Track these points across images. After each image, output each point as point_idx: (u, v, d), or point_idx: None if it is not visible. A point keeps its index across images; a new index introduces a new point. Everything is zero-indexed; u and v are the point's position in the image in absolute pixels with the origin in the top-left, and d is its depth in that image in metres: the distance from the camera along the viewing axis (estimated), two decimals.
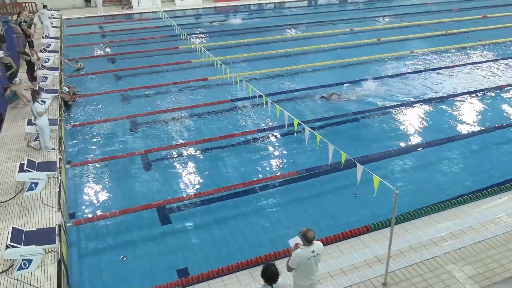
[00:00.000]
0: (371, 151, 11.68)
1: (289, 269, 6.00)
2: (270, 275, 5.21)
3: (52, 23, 24.01)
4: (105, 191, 10.57)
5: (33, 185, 9.32)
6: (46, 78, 15.92)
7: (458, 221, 8.64)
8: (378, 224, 8.60)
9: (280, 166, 11.44)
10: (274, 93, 15.94)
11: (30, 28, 23.73)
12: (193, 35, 22.87)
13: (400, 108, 14.79)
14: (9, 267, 7.21)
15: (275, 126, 13.36)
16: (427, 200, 9.56)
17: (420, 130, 13.25)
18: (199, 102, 15.43)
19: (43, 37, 21.49)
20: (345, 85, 16.61)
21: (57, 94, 14.51)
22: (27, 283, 6.96)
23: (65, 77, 17.74)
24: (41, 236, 7.54)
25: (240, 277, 7.42)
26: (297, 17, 30.69)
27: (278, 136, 13.02)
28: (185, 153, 12.22)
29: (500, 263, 7.58)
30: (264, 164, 11.50)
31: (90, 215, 9.53)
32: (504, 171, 10.80)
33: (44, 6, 24.50)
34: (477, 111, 14.41)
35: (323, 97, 15.58)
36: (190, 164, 11.71)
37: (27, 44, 19.76)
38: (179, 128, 13.69)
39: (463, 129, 13.23)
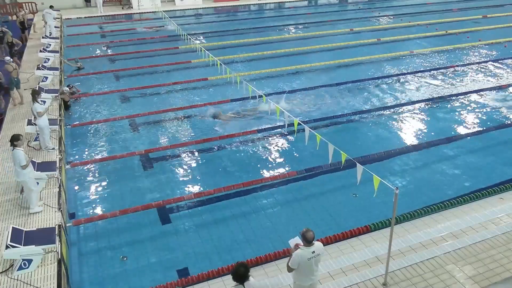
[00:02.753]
0: (371, 151, 11.69)
1: (289, 269, 6.01)
2: (238, 275, 5.32)
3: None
4: (105, 191, 10.56)
5: None
6: (46, 78, 15.92)
7: (458, 221, 8.64)
8: (378, 224, 8.60)
9: (280, 166, 11.44)
10: (274, 93, 15.94)
11: (31, 27, 23.79)
12: (193, 35, 22.86)
13: (399, 108, 14.79)
14: (9, 267, 7.21)
15: (275, 126, 13.36)
16: (427, 200, 9.57)
17: (420, 130, 13.26)
18: (199, 102, 15.43)
19: (43, 37, 21.49)
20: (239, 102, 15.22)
21: (57, 94, 14.50)
22: (27, 283, 6.96)
23: (65, 77, 17.74)
24: (41, 236, 7.54)
25: None
26: (297, 17, 30.71)
27: (278, 136, 13.02)
28: (185, 153, 12.22)
29: (500, 263, 7.58)
30: (264, 164, 11.50)
31: (90, 215, 9.53)
32: (504, 171, 10.80)
33: (51, 7, 24.47)
34: (477, 111, 14.41)
35: (216, 116, 14.21)
36: (190, 164, 11.71)
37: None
38: (179, 128, 13.68)
39: (463, 129, 13.24)
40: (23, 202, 9.02)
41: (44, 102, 12.65)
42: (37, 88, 13.20)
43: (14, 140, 8.52)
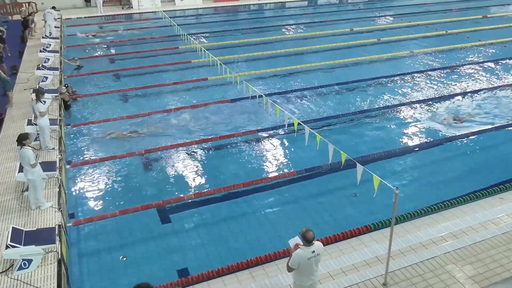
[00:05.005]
0: (371, 151, 11.69)
1: (289, 269, 6.01)
2: None
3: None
4: (105, 191, 10.56)
5: None
6: (46, 78, 15.91)
7: (458, 221, 8.64)
8: (378, 224, 8.60)
9: (280, 166, 11.44)
10: (274, 93, 15.94)
11: (31, 26, 23.78)
12: (193, 35, 22.85)
13: (400, 108, 14.78)
14: (9, 267, 7.21)
15: (275, 126, 13.36)
16: (427, 200, 9.56)
17: (420, 130, 13.24)
18: (199, 102, 15.44)
19: (43, 37, 21.49)
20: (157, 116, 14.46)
21: (57, 94, 14.51)
22: (27, 283, 6.96)
23: (65, 77, 17.73)
24: (41, 236, 7.54)
25: (240, 277, 7.43)
26: (297, 17, 30.69)
27: (278, 136, 13.02)
28: (185, 153, 12.22)
29: (500, 263, 7.58)
30: (264, 164, 11.51)
31: (90, 215, 9.52)
32: (504, 171, 10.79)
33: (53, 7, 24.44)
34: (477, 111, 14.39)
35: (110, 133, 13.23)
36: (190, 164, 11.71)
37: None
38: (179, 128, 13.67)
39: (463, 129, 13.22)
40: (24, 201, 9.02)
41: (44, 102, 12.65)
42: (37, 88, 13.19)
43: (23, 139, 8.58)
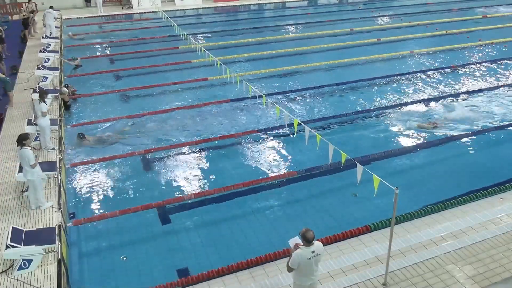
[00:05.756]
0: (371, 151, 11.69)
1: (289, 269, 6.01)
2: None
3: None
4: (105, 191, 10.56)
5: None
6: (46, 78, 15.92)
7: (458, 221, 8.64)
8: (378, 224, 8.60)
9: (280, 166, 11.44)
10: (274, 93, 15.95)
11: (31, 25, 23.81)
12: (193, 35, 22.85)
13: (399, 108, 14.78)
14: (9, 267, 7.21)
15: (275, 126, 13.36)
16: (427, 200, 9.56)
17: (420, 130, 13.23)
18: (199, 102, 15.44)
19: (43, 37, 21.50)
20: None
21: (57, 94, 14.52)
22: (27, 283, 6.96)
23: (65, 77, 17.73)
24: (41, 236, 7.54)
25: (240, 277, 7.43)
26: (297, 17, 30.70)
27: (278, 136, 13.02)
28: (185, 153, 12.22)
29: (500, 263, 7.58)
30: (264, 164, 11.50)
31: (90, 215, 9.52)
32: (504, 171, 10.79)
33: (51, 7, 24.43)
34: (476, 111, 14.39)
35: (81, 136, 12.66)
36: (190, 164, 11.70)
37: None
38: (179, 128, 13.68)
39: (462, 128, 13.22)
40: (24, 201, 9.02)
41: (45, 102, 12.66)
42: (41, 89, 13.20)
43: (23, 139, 8.57)
